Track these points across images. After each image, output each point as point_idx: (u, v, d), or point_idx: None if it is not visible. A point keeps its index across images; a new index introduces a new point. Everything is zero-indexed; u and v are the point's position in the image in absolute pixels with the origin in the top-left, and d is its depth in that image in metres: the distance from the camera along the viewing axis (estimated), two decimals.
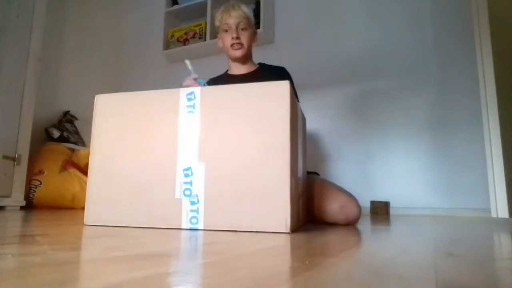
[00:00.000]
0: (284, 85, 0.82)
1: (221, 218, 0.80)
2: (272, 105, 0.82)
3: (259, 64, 1.49)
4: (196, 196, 0.82)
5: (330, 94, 2.23)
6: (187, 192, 0.82)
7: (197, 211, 0.81)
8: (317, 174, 1.37)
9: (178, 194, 0.83)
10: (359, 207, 1.12)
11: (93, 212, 0.88)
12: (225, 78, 1.45)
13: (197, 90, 0.87)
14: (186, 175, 0.83)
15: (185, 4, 2.66)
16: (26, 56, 1.81)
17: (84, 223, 0.88)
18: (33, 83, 1.83)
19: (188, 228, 0.81)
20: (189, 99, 0.87)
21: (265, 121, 0.81)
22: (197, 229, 0.80)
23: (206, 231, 0.77)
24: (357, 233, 0.85)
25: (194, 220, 0.81)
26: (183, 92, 0.87)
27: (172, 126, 0.87)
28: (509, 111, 1.83)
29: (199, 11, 2.65)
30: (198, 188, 0.82)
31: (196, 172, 0.83)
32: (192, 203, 0.82)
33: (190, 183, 0.83)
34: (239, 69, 1.43)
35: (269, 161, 0.79)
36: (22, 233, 0.68)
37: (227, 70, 1.49)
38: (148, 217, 0.84)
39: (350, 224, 1.11)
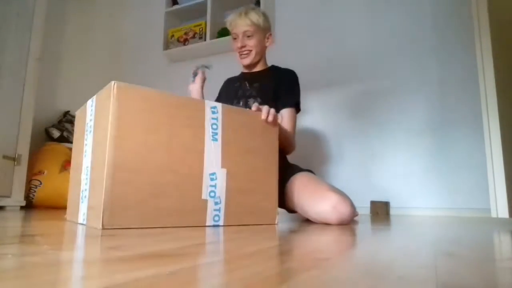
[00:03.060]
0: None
1: (237, 215, 0.98)
2: (271, 135, 1.11)
3: (271, 66, 1.50)
4: (219, 197, 0.95)
5: (330, 94, 2.23)
6: (212, 194, 0.94)
7: (219, 210, 0.95)
8: (312, 172, 1.36)
9: (204, 195, 0.93)
10: (352, 206, 1.10)
11: (113, 215, 0.78)
12: (237, 78, 1.52)
13: (219, 105, 0.99)
14: (212, 179, 0.95)
15: (185, 4, 2.67)
16: (26, 56, 1.81)
17: (103, 227, 0.77)
18: (33, 83, 1.83)
19: (212, 225, 0.93)
20: (213, 112, 0.97)
21: (266, 142, 1.08)
22: (219, 225, 0.94)
23: (212, 229, 0.77)
24: (357, 233, 0.85)
25: (216, 218, 0.95)
26: (208, 104, 0.97)
27: (199, 134, 0.94)
28: (509, 111, 1.83)
29: (199, 11, 2.65)
30: (221, 190, 0.96)
31: (219, 176, 0.96)
32: (216, 203, 0.95)
33: (215, 186, 0.95)
34: (249, 69, 1.49)
35: (267, 170, 1.07)
36: (22, 233, 0.68)
37: (242, 70, 1.54)
38: (176, 217, 0.87)
39: (343, 224, 1.09)
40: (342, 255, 0.48)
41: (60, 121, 2.35)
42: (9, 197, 1.69)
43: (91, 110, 0.95)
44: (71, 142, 2.25)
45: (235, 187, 0.98)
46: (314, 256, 0.46)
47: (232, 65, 1.55)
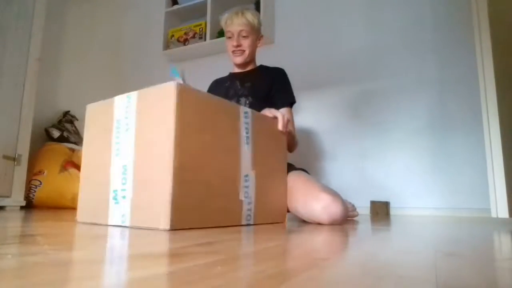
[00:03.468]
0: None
1: (261, 214, 1.05)
2: (281, 138, 1.21)
3: (260, 65, 1.54)
4: (251, 198, 1.02)
5: (330, 94, 2.24)
6: (246, 195, 1.00)
7: (251, 210, 1.01)
8: (306, 171, 1.37)
9: (241, 196, 0.98)
10: (343, 206, 1.10)
11: (180, 216, 0.79)
12: (227, 78, 1.53)
13: (249, 111, 1.04)
14: (246, 181, 1.00)
15: (185, 4, 2.67)
16: (26, 56, 1.81)
17: (170, 228, 0.76)
18: (33, 83, 1.83)
19: (245, 224, 0.99)
20: (246, 117, 1.02)
21: (278, 145, 1.18)
22: (249, 224, 1.00)
23: (212, 229, 0.77)
24: (357, 233, 0.85)
25: (248, 218, 1.00)
26: (242, 109, 1.02)
27: (236, 137, 0.98)
28: (509, 111, 1.83)
29: (199, 11, 2.65)
30: (252, 191, 1.02)
31: (251, 178, 1.02)
32: (249, 203, 1.00)
33: (248, 187, 1.01)
34: (240, 69, 1.52)
35: (279, 171, 1.18)
36: (22, 233, 0.68)
37: (231, 71, 1.57)
38: (221, 217, 0.91)
39: (335, 224, 1.09)
40: (342, 255, 0.48)
41: (60, 121, 2.34)
42: (9, 197, 1.69)
43: (129, 107, 0.90)
44: (71, 142, 2.25)
45: (260, 188, 1.05)
46: (314, 256, 0.46)
47: (232, 65, 1.55)
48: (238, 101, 1.41)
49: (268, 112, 1.15)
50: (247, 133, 1.02)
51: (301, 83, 2.27)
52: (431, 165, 1.92)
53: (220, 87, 1.51)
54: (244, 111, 1.02)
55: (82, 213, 1.00)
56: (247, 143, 1.01)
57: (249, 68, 1.51)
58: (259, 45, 1.50)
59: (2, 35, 1.70)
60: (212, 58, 2.57)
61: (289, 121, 1.18)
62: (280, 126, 1.15)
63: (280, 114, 1.16)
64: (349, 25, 2.24)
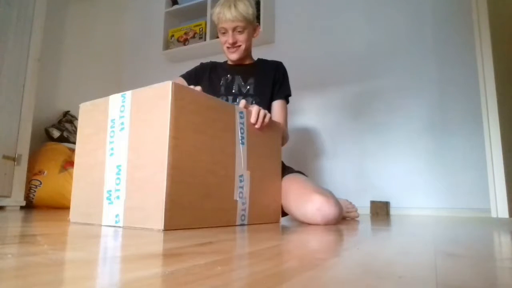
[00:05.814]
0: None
1: (255, 215, 1.06)
2: (276, 138, 1.22)
3: (258, 59, 1.48)
4: (245, 198, 1.02)
5: (330, 94, 2.23)
6: (240, 195, 1.00)
7: (245, 210, 1.01)
8: (303, 173, 1.36)
9: (235, 196, 0.98)
10: (337, 206, 1.09)
11: (173, 217, 0.78)
12: (227, 70, 1.44)
13: (245, 111, 1.04)
14: (240, 181, 1.00)
15: (185, 4, 2.67)
16: (26, 56, 1.81)
17: (164, 228, 0.75)
18: (33, 83, 1.83)
19: (239, 224, 0.98)
20: (241, 117, 1.02)
21: (272, 145, 1.18)
22: (244, 224, 1.00)
23: (212, 229, 0.77)
24: (357, 233, 0.85)
25: (243, 218, 1.00)
26: (237, 109, 1.02)
27: (232, 137, 0.98)
28: (509, 111, 1.83)
29: (199, 11, 2.65)
30: (246, 191, 1.02)
31: (245, 178, 1.02)
32: (243, 203, 1.01)
33: (242, 187, 1.01)
34: (238, 62, 1.43)
35: (273, 171, 1.17)
36: (22, 233, 0.68)
37: (227, 61, 1.49)
38: (215, 218, 0.90)
39: (330, 224, 1.09)
40: (342, 255, 0.48)
41: (60, 121, 2.34)
42: (9, 197, 1.69)
43: (123, 107, 0.89)
44: (71, 142, 2.25)
45: (254, 189, 1.05)
46: (314, 256, 0.46)
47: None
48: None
49: (242, 103, 1.07)
50: (242, 133, 1.02)
51: (301, 83, 2.27)
52: (431, 165, 1.92)
53: (220, 78, 1.41)
54: (239, 111, 1.02)
55: (75, 213, 0.98)
56: (242, 143, 1.01)
57: (247, 61, 1.44)
58: (255, 36, 1.40)
59: (2, 35, 1.70)
60: (212, 58, 2.57)
61: (266, 115, 1.10)
62: (252, 119, 1.06)
63: (256, 108, 1.08)
64: (349, 25, 2.24)
